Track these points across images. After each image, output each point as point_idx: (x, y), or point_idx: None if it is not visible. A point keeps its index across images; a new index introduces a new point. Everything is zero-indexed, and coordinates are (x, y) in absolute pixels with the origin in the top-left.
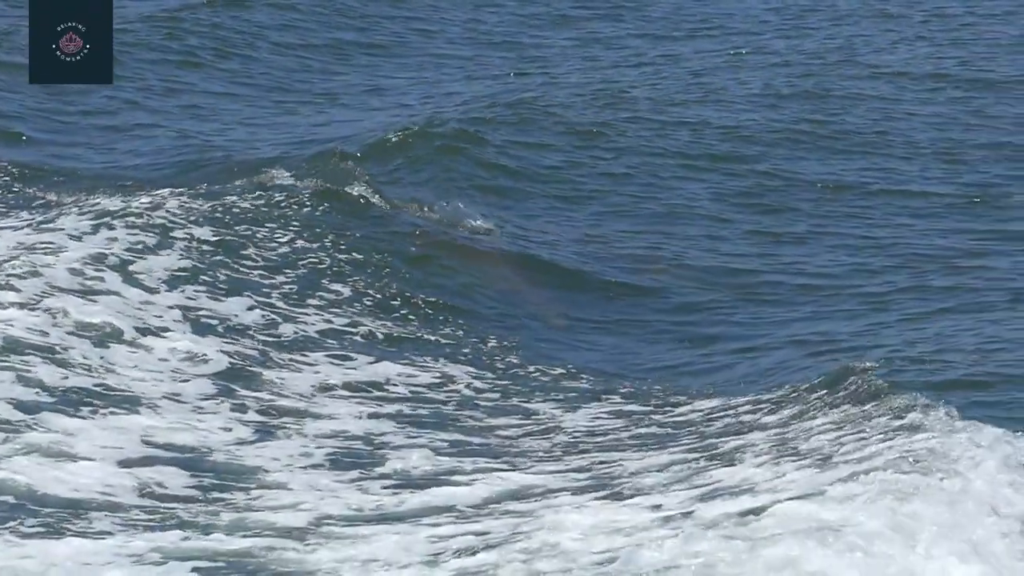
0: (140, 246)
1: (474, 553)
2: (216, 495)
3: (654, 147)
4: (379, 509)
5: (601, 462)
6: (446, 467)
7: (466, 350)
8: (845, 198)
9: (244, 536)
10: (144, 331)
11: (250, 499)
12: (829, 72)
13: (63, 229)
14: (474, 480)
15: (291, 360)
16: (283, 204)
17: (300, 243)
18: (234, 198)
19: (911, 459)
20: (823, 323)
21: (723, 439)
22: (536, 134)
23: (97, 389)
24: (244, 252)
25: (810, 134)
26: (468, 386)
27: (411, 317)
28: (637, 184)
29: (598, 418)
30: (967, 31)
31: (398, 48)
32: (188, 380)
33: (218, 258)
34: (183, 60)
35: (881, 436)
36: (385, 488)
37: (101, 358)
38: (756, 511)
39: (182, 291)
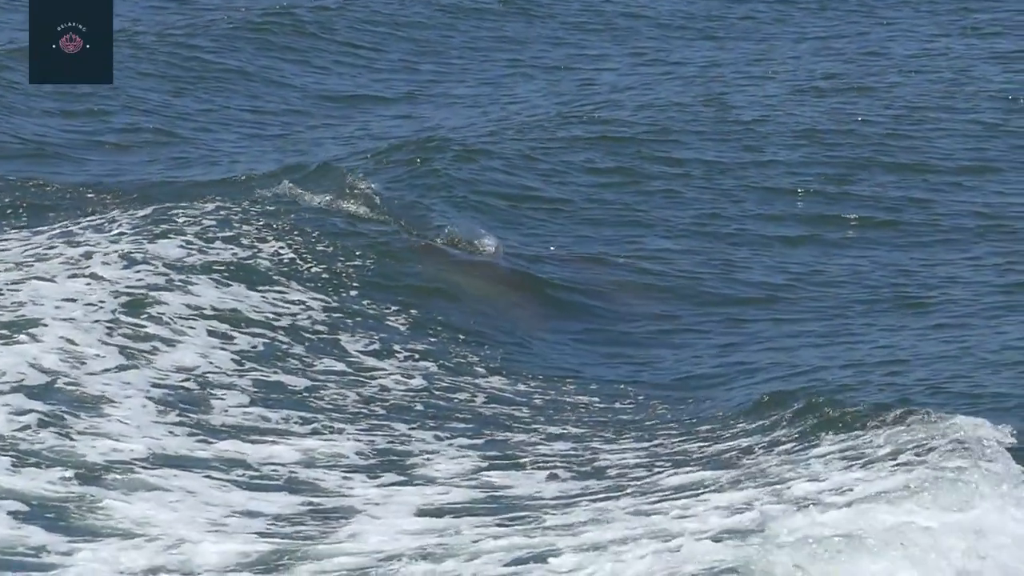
0: (97, 232)
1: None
2: (54, 423)
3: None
4: (185, 459)
5: (398, 434)
6: (266, 422)
7: (328, 281)
8: (712, 177)
9: (61, 475)
10: (72, 270)
11: (81, 431)
12: (727, 76)
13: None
14: (280, 439)
15: (183, 283)
16: (242, 199)
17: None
18: (211, 200)
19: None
20: (638, 314)
21: (511, 434)
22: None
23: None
24: (192, 218)
25: (694, 124)
26: (311, 320)
27: (301, 248)
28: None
29: (404, 374)
30: (865, 44)
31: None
32: (91, 305)
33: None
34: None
35: (674, 457)
36: (197, 437)
37: (23, 293)
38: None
39: (126, 241)
